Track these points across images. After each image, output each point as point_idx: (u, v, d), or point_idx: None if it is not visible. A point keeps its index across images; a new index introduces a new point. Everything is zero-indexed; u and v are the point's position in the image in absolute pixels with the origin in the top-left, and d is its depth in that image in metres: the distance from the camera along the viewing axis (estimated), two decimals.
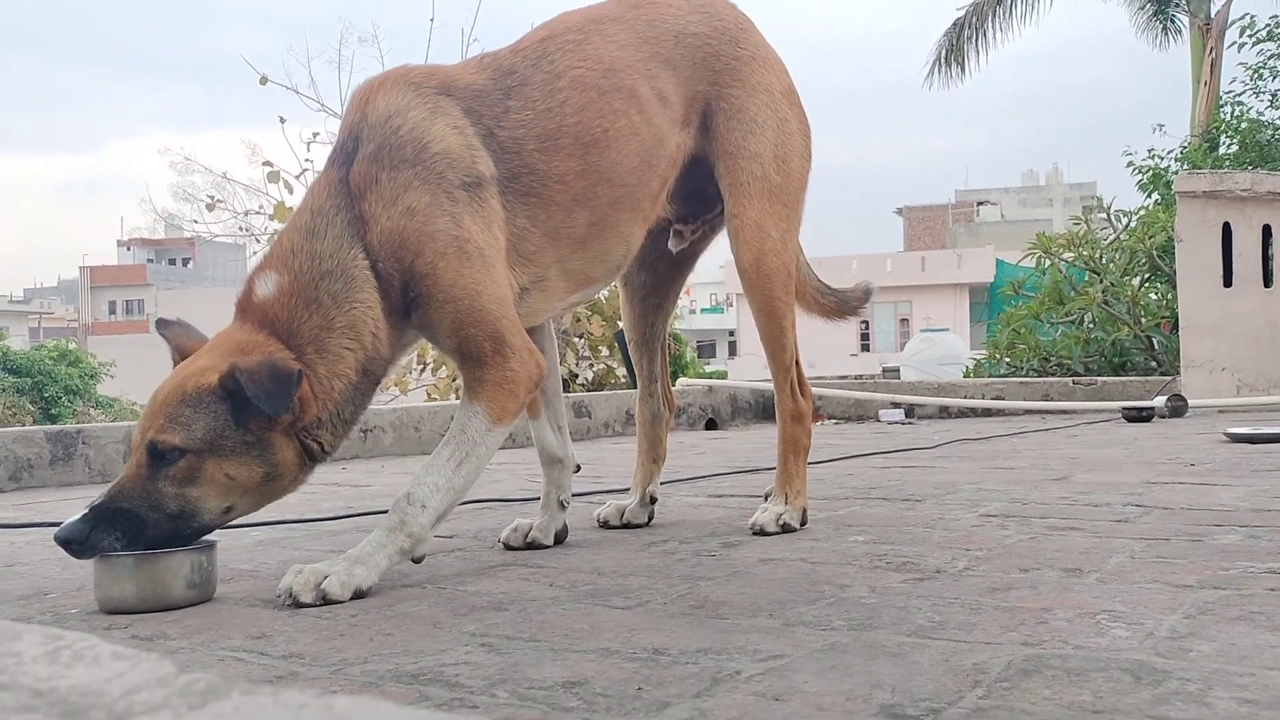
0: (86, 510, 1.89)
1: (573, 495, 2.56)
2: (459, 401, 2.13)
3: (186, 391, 1.91)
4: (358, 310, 2.03)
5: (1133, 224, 10.80)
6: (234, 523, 2.83)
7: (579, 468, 2.59)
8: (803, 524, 2.49)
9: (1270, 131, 16.30)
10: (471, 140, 2.12)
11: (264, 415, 1.90)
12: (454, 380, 7.91)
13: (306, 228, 2.06)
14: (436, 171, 2.06)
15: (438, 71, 2.21)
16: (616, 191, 2.28)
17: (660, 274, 2.74)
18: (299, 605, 1.81)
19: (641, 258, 2.69)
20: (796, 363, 2.57)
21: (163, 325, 2.21)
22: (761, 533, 2.41)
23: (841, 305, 2.93)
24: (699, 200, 2.56)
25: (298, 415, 1.96)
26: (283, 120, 9.54)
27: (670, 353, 10.64)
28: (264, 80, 9.66)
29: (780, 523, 2.43)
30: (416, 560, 2.02)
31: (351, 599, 1.85)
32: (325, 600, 1.83)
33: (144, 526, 1.89)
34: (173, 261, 66.09)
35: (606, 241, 2.31)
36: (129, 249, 66.17)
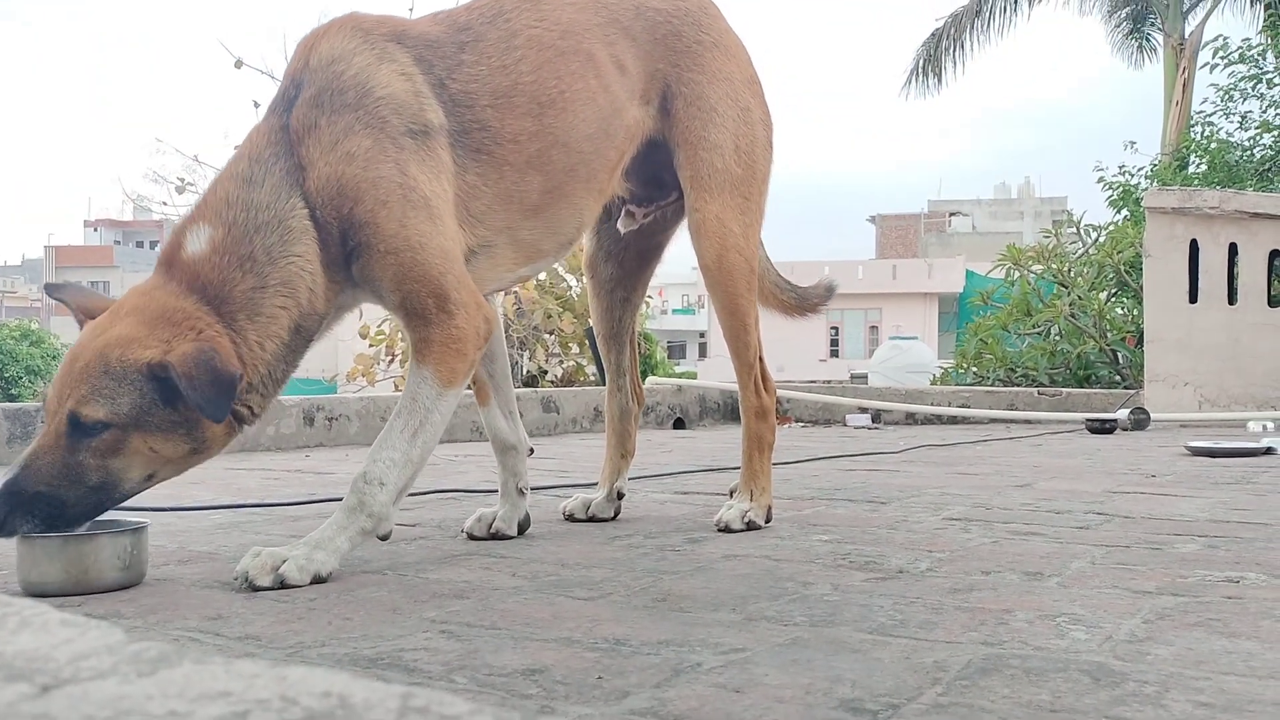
0: (1, 486, 1.80)
1: (537, 488, 2.54)
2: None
3: (110, 363, 1.80)
4: (294, 265, 1.94)
5: (1102, 239, 10.89)
6: (193, 505, 2.82)
7: (532, 450, 2.54)
8: (767, 520, 2.49)
9: (1239, 153, 16.51)
10: (420, 88, 2.05)
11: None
12: None
13: (244, 175, 1.96)
14: (380, 117, 1.98)
15: (389, 20, 2.14)
16: (572, 158, 2.22)
17: (627, 267, 2.71)
18: (255, 589, 1.78)
19: (608, 250, 2.67)
20: (760, 359, 2.55)
21: (54, 290, 2.07)
22: (727, 530, 2.40)
23: (801, 302, 2.88)
24: (655, 185, 2.52)
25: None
26: (257, 104, 9.42)
27: (640, 352, 10.58)
28: (239, 64, 9.57)
29: (745, 520, 2.42)
30: (382, 538, 1.98)
31: (311, 584, 1.83)
32: (283, 585, 1.80)
33: (64, 506, 1.81)
34: (140, 244, 65.34)
35: (559, 211, 2.25)
36: (96, 230, 65.41)
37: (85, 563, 1.80)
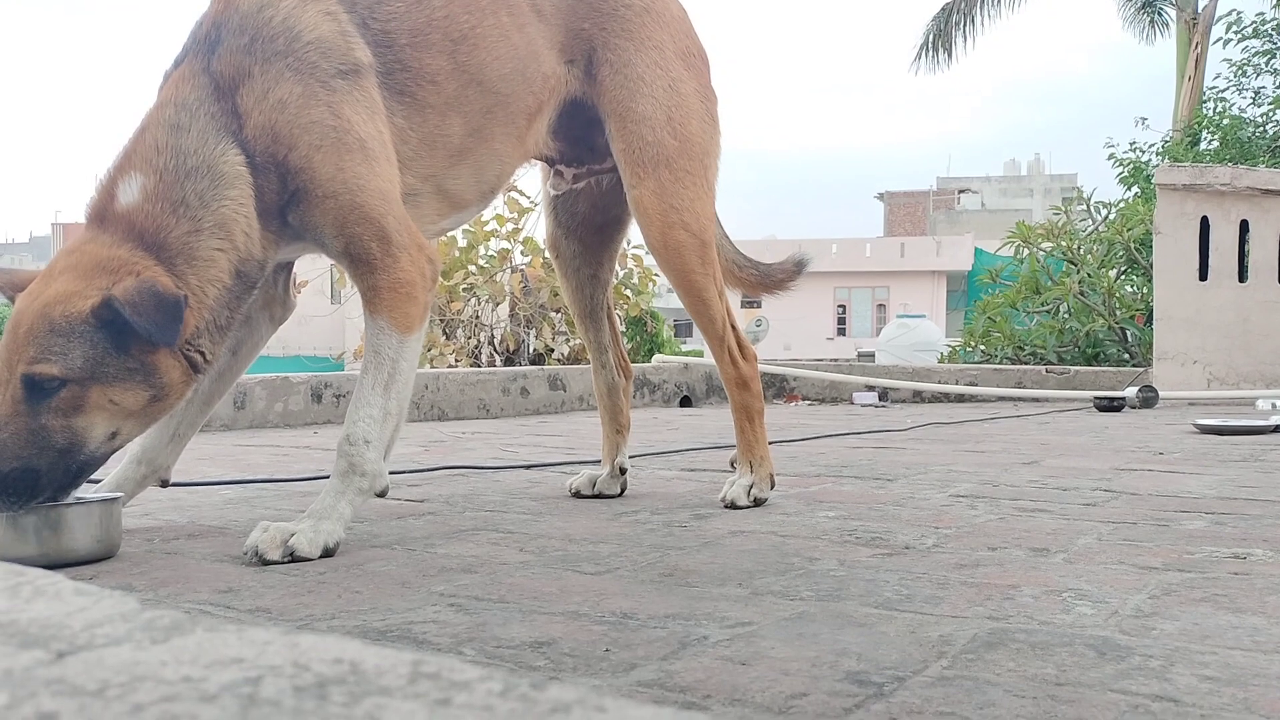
0: None
1: (545, 464, 2.54)
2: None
3: (54, 320, 1.77)
4: (228, 208, 1.91)
5: (1112, 216, 10.84)
6: (203, 480, 2.84)
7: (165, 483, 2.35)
8: (771, 487, 2.49)
9: (1252, 129, 16.40)
10: (346, 27, 2.03)
11: (147, 340, 1.79)
12: (429, 351, 7.87)
13: (171, 122, 1.94)
14: (309, 62, 1.97)
15: None
16: (489, 99, 2.20)
17: (587, 242, 2.69)
18: (265, 563, 1.80)
19: (567, 227, 2.66)
20: (734, 328, 2.51)
21: None
22: (733, 506, 2.41)
23: (764, 279, 2.83)
24: (586, 149, 2.48)
25: (181, 335, 1.84)
26: None
27: (648, 330, 10.42)
28: None
29: (751, 496, 2.43)
30: (380, 495, 1.99)
31: (321, 557, 1.84)
32: (293, 558, 1.81)
33: (39, 475, 1.79)
34: None
35: (481, 156, 2.23)
36: None
37: (63, 535, 1.81)
